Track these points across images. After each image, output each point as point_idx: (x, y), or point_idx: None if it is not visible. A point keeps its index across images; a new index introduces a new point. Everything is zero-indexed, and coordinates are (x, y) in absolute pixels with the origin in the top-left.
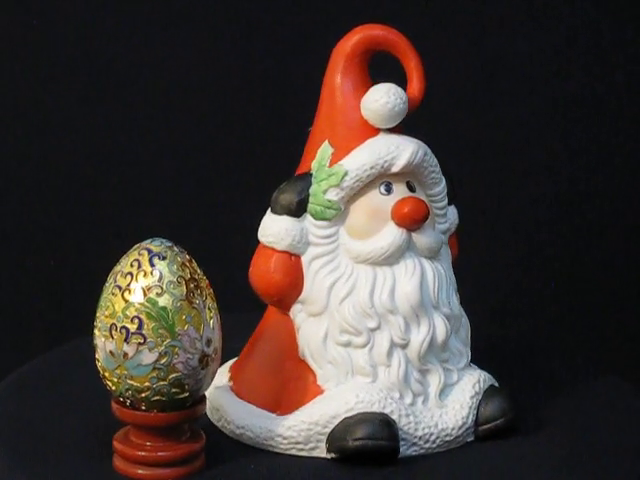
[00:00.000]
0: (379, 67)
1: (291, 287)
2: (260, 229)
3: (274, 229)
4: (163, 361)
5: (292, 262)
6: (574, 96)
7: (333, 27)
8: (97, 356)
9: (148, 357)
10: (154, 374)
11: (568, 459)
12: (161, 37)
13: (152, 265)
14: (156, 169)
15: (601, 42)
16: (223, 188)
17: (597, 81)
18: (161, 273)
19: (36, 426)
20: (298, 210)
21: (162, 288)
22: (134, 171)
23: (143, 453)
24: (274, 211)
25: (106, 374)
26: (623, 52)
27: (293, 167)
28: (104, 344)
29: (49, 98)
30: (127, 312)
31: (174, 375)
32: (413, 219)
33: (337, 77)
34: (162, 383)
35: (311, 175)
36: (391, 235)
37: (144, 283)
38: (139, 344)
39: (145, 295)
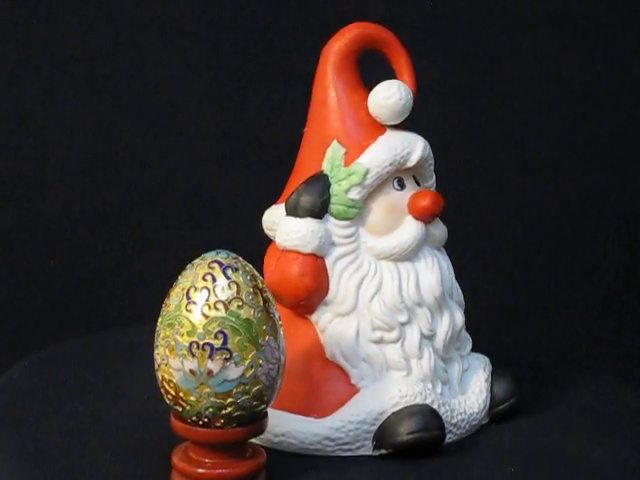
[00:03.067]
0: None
1: (319, 289)
2: (282, 234)
3: (300, 232)
4: (249, 374)
5: (319, 264)
6: (574, 96)
7: (322, 27)
8: (169, 377)
9: (234, 372)
10: (239, 389)
11: (587, 433)
12: (161, 38)
13: (227, 278)
14: (151, 170)
15: (603, 42)
16: (214, 190)
17: (597, 81)
18: (238, 285)
19: (82, 440)
20: (321, 211)
21: (242, 300)
22: (130, 172)
23: (208, 471)
24: (295, 214)
25: (181, 394)
26: (623, 52)
27: (285, 167)
28: (182, 364)
29: (48, 97)
30: (209, 328)
31: (257, 388)
32: (433, 212)
33: (334, 76)
34: (245, 397)
35: (326, 175)
36: (412, 229)
37: (223, 297)
38: (225, 359)
39: (227, 309)
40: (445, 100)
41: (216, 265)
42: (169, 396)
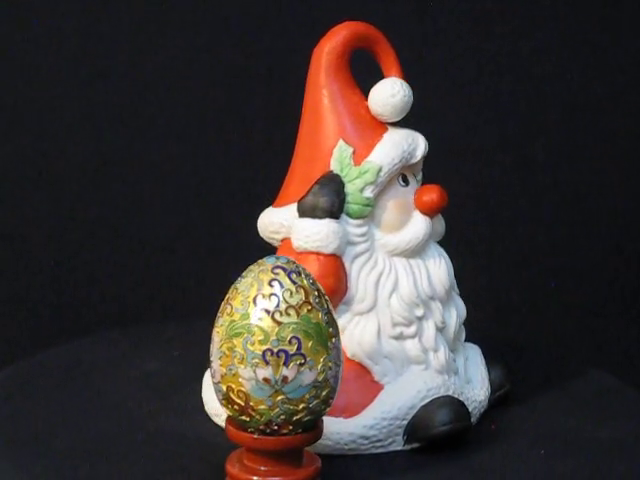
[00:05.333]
0: None
1: (341, 289)
2: (300, 235)
3: (321, 233)
4: (321, 378)
5: (339, 264)
6: (573, 96)
7: (314, 27)
8: (238, 388)
9: (308, 377)
10: (312, 393)
11: (584, 415)
12: (158, 37)
13: (294, 282)
14: (149, 170)
15: (601, 42)
16: (209, 191)
17: (597, 81)
18: (305, 289)
19: (133, 447)
20: (339, 211)
21: (311, 304)
22: (129, 172)
23: (265, 478)
24: (314, 216)
25: (251, 403)
26: (623, 52)
27: (275, 169)
28: (254, 373)
29: (49, 97)
30: (283, 334)
31: (326, 391)
32: (440, 206)
33: (331, 76)
34: (316, 401)
35: (339, 175)
36: (422, 224)
37: (293, 302)
38: (300, 365)
39: (298, 314)
40: (434, 97)
41: (280, 271)
42: (235, 407)
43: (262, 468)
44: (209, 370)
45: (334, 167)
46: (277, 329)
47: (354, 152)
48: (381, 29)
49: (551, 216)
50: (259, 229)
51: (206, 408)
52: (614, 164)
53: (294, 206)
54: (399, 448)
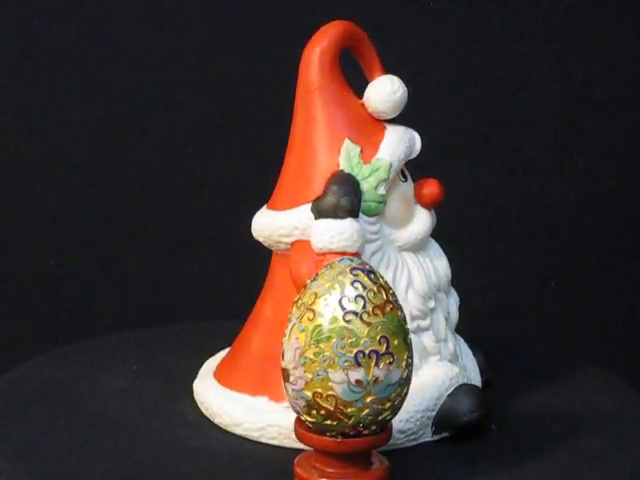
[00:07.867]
0: None
1: None
2: (326, 237)
3: (346, 234)
4: (405, 375)
5: None
6: (573, 94)
7: (305, 27)
8: (327, 392)
9: (395, 375)
10: (397, 391)
11: (572, 393)
12: (157, 38)
13: (374, 282)
14: (151, 170)
15: (601, 42)
16: (210, 191)
17: (596, 81)
18: (384, 288)
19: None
20: (358, 210)
21: (391, 302)
22: (131, 172)
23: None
24: (336, 216)
25: (341, 407)
26: (623, 52)
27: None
28: (346, 376)
29: (48, 97)
30: (372, 334)
31: (407, 388)
32: (441, 198)
33: (328, 75)
34: (399, 399)
35: (352, 174)
36: (426, 217)
37: (377, 301)
38: (389, 364)
39: (383, 313)
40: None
41: (359, 272)
42: (321, 412)
43: (331, 470)
44: (201, 380)
45: (343, 166)
46: (367, 330)
47: (361, 151)
48: (377, 28)
49: (550, 216)
50: (258, 232)
51: (219, 420)
52: (614, 163)
53: (305, 207)
54: (428, 439)
